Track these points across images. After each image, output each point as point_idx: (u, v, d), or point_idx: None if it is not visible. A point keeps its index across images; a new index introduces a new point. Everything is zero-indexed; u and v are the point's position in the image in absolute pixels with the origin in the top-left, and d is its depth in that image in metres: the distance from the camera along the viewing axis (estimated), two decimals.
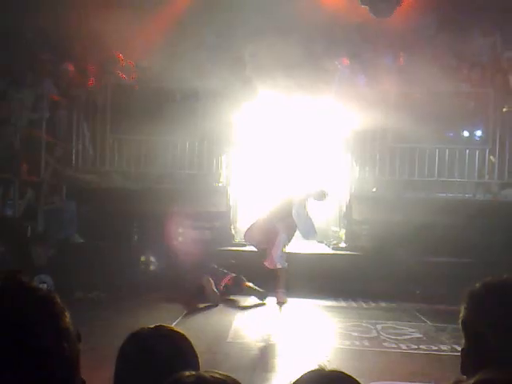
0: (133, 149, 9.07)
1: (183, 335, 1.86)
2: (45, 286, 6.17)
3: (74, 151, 9.01)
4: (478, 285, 1.78)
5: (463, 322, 1.76)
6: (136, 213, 8.57)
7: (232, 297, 7.22)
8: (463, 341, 1.76)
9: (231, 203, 9.04)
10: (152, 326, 1.87)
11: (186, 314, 6.52)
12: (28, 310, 1.08)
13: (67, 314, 1.15)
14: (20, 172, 7.39)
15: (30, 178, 7.71)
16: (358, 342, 5.52)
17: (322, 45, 11.14)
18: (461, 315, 1.76)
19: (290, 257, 7.38)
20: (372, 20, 8.97)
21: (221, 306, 6.87)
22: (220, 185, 9.03)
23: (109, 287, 7.05)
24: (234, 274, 7.36)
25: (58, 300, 1.15)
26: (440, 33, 10.88)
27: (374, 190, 8.90)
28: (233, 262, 7.73)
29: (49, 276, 6.25)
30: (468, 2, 10.49)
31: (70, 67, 9.30)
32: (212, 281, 7.11)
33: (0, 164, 7.13)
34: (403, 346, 5.44)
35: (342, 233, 8.95)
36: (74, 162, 8.98)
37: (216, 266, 7.52)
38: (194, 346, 1.85)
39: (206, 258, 7.63)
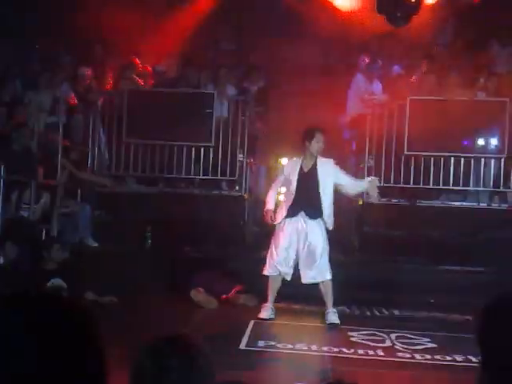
0: (148, 153, 9.11)
1: (199, 347, 1.85)
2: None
3: (89, 155, 9.08)
4: (493, 298, 1.77)
5: (479, 336, 1.75)
6: (150, 217, 8.60)
7: (244, 302, 7.19)
8: (478, 352, 1.75)
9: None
10: (167, 337, 1.84)
11: (198, 320, 6.53)
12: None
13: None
14: (37, 175, 7.44)
15: (46, 182, 7.76)
16: (371, 352, 5.49)
17: (338, 52, 11.15)
18: (477, 329, 1.76)
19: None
20: (388, 28, 8.97)
21: (233, 312, 6.86)
22: (236, 192, 9.02)
23: (122, 291, 7.07)
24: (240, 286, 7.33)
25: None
26: (456, 41, 10.86)
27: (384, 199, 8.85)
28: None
29: (61, 279, 6.28)
30: (485, 11, 10.45)
31: (88, 72, 9.37)
32: (200, 289, 7.03)
33: (17, 167, 7.19)
34: (418, 356, 5.40)
35: (355, 239, 8.92)
36: (89, 165, 9.05)
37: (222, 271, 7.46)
38: (209, 355, 1.84)
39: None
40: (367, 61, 9.80)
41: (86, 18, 9.46)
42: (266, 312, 6.55)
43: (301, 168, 6.63)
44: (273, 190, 6.87)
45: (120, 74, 9.73)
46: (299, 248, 6.52)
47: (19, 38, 9.16)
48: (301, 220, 6.53)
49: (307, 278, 6.50)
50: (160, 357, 1.76)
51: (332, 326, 6.41)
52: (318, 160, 6.63)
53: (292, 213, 6.54)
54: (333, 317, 6.47)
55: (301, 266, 6.54)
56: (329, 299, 6.52)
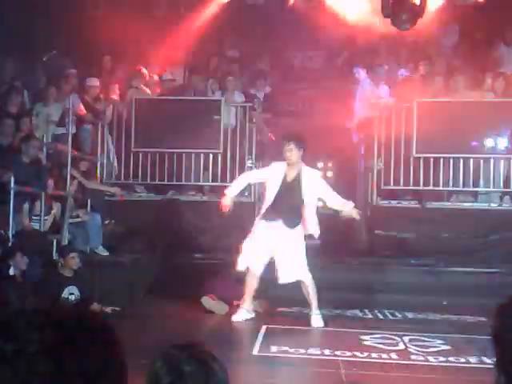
0: (157, 161, 9.15)
1: (213, 356, 1.85)
2: (73, 297, 6.25)
3: (98, 164, 9.12)
4: (508, 298, 1.75)
5: (494, 336, 1.73)
6: (160, 225, 8.62)
7: (255, 308, 7.17)
8: (493, 354, 1.74)
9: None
10: (182, 345, 1.84)
11: (210, 326, 6.52)
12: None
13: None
14: (46, 187, 7.47)
15: (55, 193, 7.79)
16: (385, 355, 5.46)
17: (345, 56, 11.17)
18: (492, 329, 1.74)
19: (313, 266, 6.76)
20: (394, 31, 8.96)
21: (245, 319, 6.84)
22: (246, 199, 9.01)
23: (127, 301, 7.07)
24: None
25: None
26: (463, 42, 10.84)
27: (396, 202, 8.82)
28: None
29: (76, 288, 6.32)
30: (490, 12, 10.44)
31: (96, 82, 9.42)
32: (212, 296, 7.02)
33: (26, 179, 7.22)
34: (431, 359, 5.37)
35: (365, 241, 8.88)
36: (98, 175, 9.09)
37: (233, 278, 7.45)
38: (223, 363, 1.83)
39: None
40: (364, 74, 9.79)
41: (93, 29, 9.52)
42: (239, 314, 6.53)
43: (284, 176, 6.49)
44: (245, 178, 6.76)
45: (127, 84, 9.79)
46: (274, 250, 6.47)
47: (27, 49, 9.23)
48: (277, 226, 6.45)
49: (282, 278, 6.47)
50: (175, 364, 1.76)
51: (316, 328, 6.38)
52: (302, 170, 6.49)
53: (270, 217, 6.48)
54: (315, 320, 6.44)
55: (277, 268, 6.49)
56: (311, 301, 6.47)
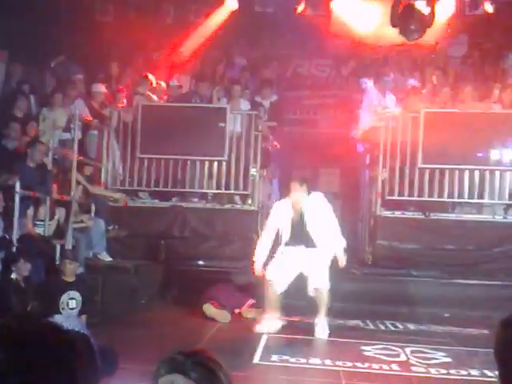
0: (161, 168, 9.16)
1: (219, 363, 1.84)
2: (73, 302, 6.24)
3: (103, 170, 9.14)
4: (511, 312, 1.74)
5: (496, 352, 1.72)
6: (164, 231, 8.63)
7: (257, 317, 7.16)
8: (495, 366, 1.73)
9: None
10: (186, 352, 1.83)
11: (211, 334, 6.51)
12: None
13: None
14: (51, 191, 7.49)
15: (60, 198, 7.81)
16: (386, 366, 5.43)
17: (351, 65, 11.18)
18: (494, 343, 1.73)
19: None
20: (402, 41, 8.97)
21: (246, 326, 6.83)
22: (249, 206, 9.02)
23: (130, 307, 7.08)
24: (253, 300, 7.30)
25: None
26: (471, 53, 10.84)
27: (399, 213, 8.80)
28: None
29: (77, 292, 6.32)
30: (499, 23, 10.44)
31: (102, 88, 9.46)
32: (213, 303, 7.01)
33: (31, 183, 7.24)
34: (433, 371, 5.33)
35: (369, 252, 8.87)
36: (103, 180, 9.11)
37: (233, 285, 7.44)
38: (227, 371, 1.83)
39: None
40: (371, 83, 9.78)
41: (101, 36, 9.58)
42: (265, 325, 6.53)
43: (292, 213, 6.60)
44: (264, 241, 6.78)
45: (134, 90, 9.82)
46: (301, 266, 6.53)
47: (34, 54, 9.28)
48: (300, 249, 6.56)
49: (310, 290, 6.55)
50: (181, 370, 1.75)
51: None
52: (305, 204, 6.56)
53: (292, 244, 6.60)
54: (320, 330, 6.44)
55: (308, 282, 6.55)
56: (321, 309, 6.50)
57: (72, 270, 6.38)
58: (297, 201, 6.59)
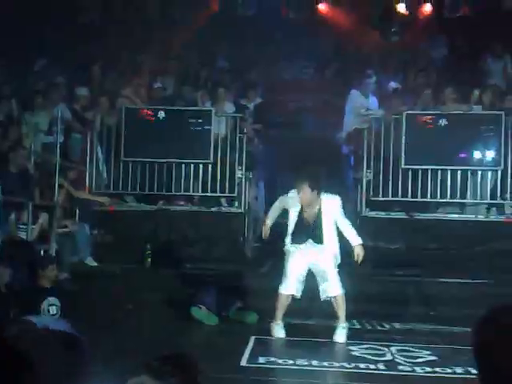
0: (146, 171, 9.14)
1: (198, 365, 1.85)
2: (53, 308, 6.17)
3: (87, 174, 9.10)
4: (487, 311, 1.75)
5: (474, 350, 1.73)
6: (150, 235, 8.61)
7: (244, 319, 7.17)
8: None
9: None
10: (167, 356, 1.83)
11: (198, 337, 6.51)
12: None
13: None
14: (33, 196, 7.45)
15: (43, 202, 7.77)
16: (372, 366, 5.48)
17: (334, 68, 11.24)
18: (472, 342, 1.73)
19: None
20: (383, 42, 9.06)
21: (233, 329, 6.84)
22: (236, 209, 9.03)
23: (121, 310, 7.04)
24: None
25: None
26: (451, 55, 10.95)
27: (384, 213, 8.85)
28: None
29: (57, 299, 6.24)
30: (478, 25, 10.57)
31: (85, 91, 9.42)
32: (201, 306, 7.01)
33: (13, 188, 7.20)
34: (418, 369, 5.38)
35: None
36: (87, 184, 9.07)
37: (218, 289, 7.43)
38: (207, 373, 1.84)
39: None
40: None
41: (83, 38, 9.54)
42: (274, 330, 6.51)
43: (301, 208, 6.48)
44: (276, 206, 6.78)
45: (117, 93, 9.79)
46: (311, 267, 6.50)
47: (16, 56, 9.22)
48: (308, 245, 6.51)
49: (322, 295, 6.52)
50: (160, 375, 1.75)
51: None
52: (321, 206, 6.44)
53: (298, 240, 6.53)
54: (338, 334, 6.41)
55: (318, 284, 6.52)
56: (340, 315, 6.46)
57: (54, 276, 6.33)
58: (308, 204, 6.44)
